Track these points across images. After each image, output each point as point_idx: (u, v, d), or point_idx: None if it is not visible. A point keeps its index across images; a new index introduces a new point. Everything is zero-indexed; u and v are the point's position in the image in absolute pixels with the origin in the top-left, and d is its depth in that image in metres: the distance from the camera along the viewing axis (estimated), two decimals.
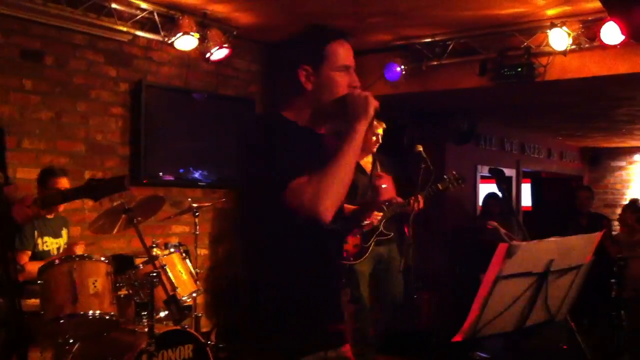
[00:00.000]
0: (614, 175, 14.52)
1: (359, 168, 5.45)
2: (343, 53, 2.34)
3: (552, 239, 2.50)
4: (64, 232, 4.98)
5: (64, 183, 4.75)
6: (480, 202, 9.84)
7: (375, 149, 5.49)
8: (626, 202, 13.62)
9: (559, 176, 13.80)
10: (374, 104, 2.29)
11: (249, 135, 2.29)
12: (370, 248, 5.37)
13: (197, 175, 6.57)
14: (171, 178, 6.40)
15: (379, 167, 5.53)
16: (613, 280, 7.18)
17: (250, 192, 2.34)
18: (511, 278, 2.42)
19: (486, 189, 9.91)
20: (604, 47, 5.93)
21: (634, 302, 6.70)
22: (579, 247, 2.63)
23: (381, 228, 5.42)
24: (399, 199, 5.50)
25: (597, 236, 2.68)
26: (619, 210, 13.68)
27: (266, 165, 2.20)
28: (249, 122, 2.34)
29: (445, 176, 5.61)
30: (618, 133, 11.94)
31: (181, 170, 6.47)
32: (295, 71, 2.32)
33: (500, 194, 5.54)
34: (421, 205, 5.21)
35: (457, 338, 2.46)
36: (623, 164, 14.47)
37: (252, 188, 2.31)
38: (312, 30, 2.41)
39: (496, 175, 3.58)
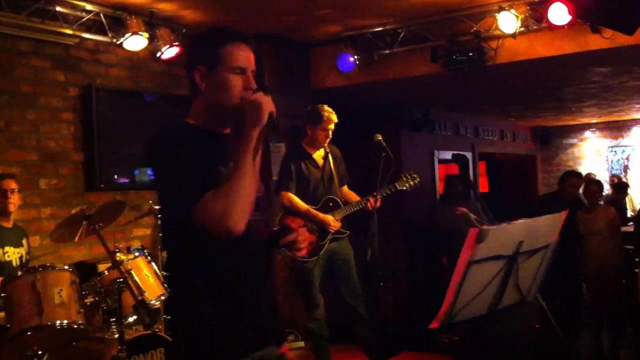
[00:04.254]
0: (566, 152, 14.83)
1: (311, 162, 5.46)
2: (239, 55, 2.33)
3: (521, 221, 2.54)
4: (24, 241, 4.88)
5: (10, 184, 4.75)
6: (438, 188, 9.93)
7: (325, 144, 5.48)
8: None
9: (513, 157, 14.03)
10: (268, 110, 2.24)
11: (150, 152, 2.30)
12: (325, 246, 5.38)
13: (153, 176, 6.46)
14: (127, 181, 6.31)
15: (331, 160, 5.53)
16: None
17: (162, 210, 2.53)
18: (483, 262, 2.45)
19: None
20: (552, 28, 6.02)
21: (595, 277, 6.83)
22: (546, 227, 2.68)
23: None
24: (356, 198, 5.54)
25: (562, 215, 2.73)
26: None
27: (170, 187, 2.25)
28: (151, 140, 2.32)
29: (401, 175, 5.62)
30: (567, 111, 12.17)
31: (137, 172, 6.37)
32: (191, 72, 2.34)
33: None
34: (378, 203, 5.23)
35: (434, 325, 2.48)
36: (574, 141, 14.78)
37: (163, 207, 2.47)
38: (210, 32, 2.42)
39: (459, 161, 3.61)
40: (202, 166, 2.21)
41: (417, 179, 5.57)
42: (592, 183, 7.27)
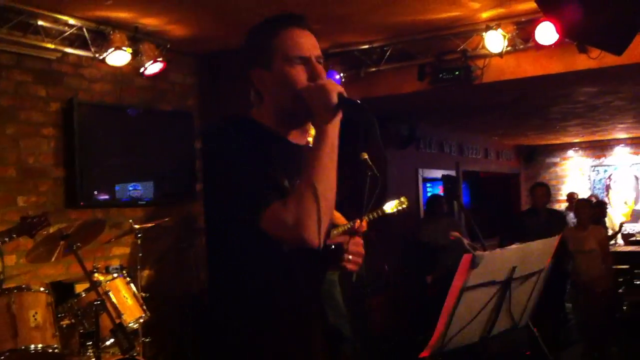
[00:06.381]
0: (549, 171, 14.87)
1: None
2: (295, 42, 1.93)
3: (514, 246, 2.47)
4: None
5: None
6: (423, 205, 9.86)
7: None
8: (562, 197, 13.98)
9: (497, 175, 14.03)
10: (335, 90, 1.85)
11: (206, 151, 1.92)
12: None
13: (136, 194, 6.36)
14: (109, 198, 6.17)
15: None
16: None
17: (215, 222, 2.01)
18: (476, 288, 2.37)
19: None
20: (539, 47, 5.98)
21: (581, 295, 6.80)
22: (539, 251, 2.61)
23: None
24: (341, 219, 5.46)
25: (555, 240, 2.66)
26: (556, 206, 14.07)
27: (232, 193, 1.86)
28: (207, 132, 1.98)
29: (390, 199, 5.59)
30: (552, 130, 12.19)
31: (117, 188, 6.24)
32: (249, 78, 1.98)
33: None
34: (364, 228, 5.14)
35: (424, 354, 2.39)
36: (557, 160, 14.83)
37: (217, 218, 1.98)
38: (259, 25, 2.00)
39: (448, 183, 3.54)
40: (267, 175, 1.85)
41: (405, 204, 5.54)
42: (583, 204, 7.25)
